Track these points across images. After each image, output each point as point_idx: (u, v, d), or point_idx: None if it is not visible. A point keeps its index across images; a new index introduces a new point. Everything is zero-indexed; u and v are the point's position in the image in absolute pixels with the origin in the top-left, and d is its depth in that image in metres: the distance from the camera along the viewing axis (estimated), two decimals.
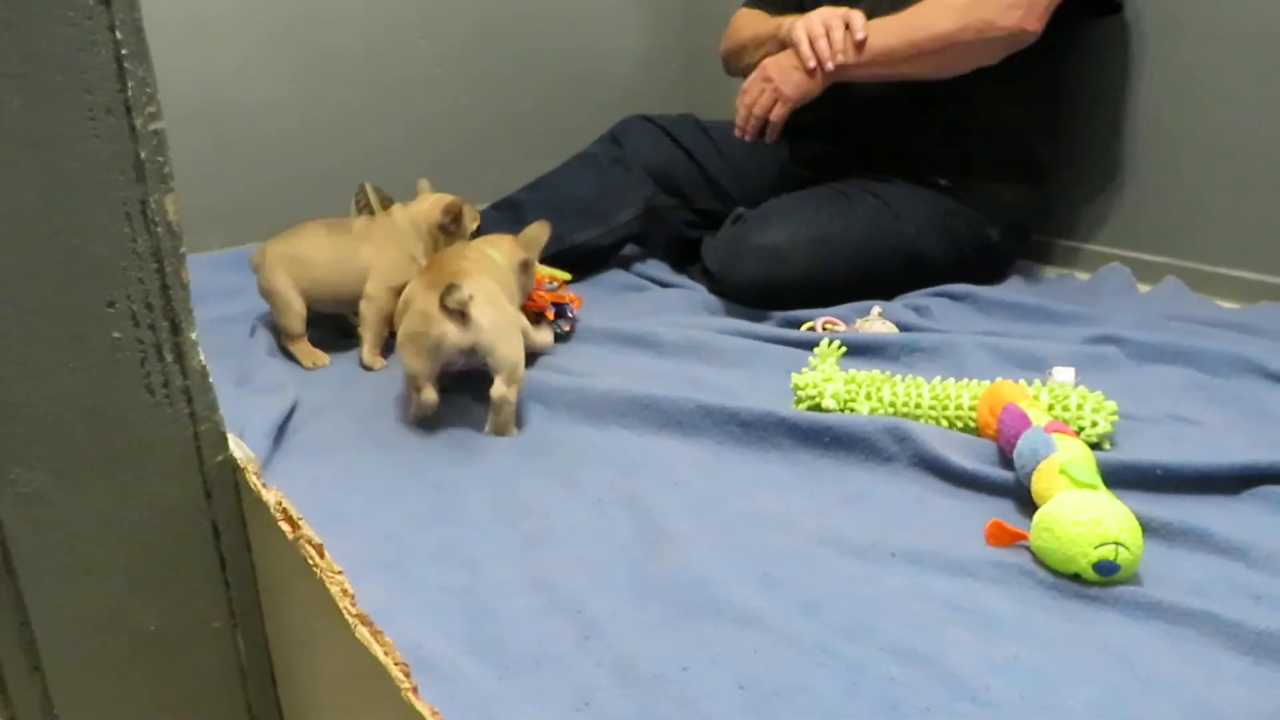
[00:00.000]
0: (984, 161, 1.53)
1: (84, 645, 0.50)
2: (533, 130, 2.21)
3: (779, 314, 1.50)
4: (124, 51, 0.42)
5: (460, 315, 1.13)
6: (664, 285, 1.71)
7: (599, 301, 1.64)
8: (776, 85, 1.50)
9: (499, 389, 1.16)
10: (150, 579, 0.49)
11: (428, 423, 1.20)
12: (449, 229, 1.44)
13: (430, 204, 1.46)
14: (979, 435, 1.06)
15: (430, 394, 1.17)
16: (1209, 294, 1.54)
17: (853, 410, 1.12)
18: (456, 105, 2.12)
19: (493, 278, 1.24)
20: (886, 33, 1.44)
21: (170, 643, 0.51)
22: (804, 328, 1.43)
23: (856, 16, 1.47)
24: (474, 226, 1.48)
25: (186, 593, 0.51)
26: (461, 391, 1.26)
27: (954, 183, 1.56)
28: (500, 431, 1.17)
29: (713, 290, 1.59)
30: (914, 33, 1.43)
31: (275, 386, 1.26)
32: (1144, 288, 1.58)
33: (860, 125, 1.61)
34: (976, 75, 1.50)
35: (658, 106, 2.11)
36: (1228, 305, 1.50)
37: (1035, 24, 1.42)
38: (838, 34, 1.45)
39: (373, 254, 1.40)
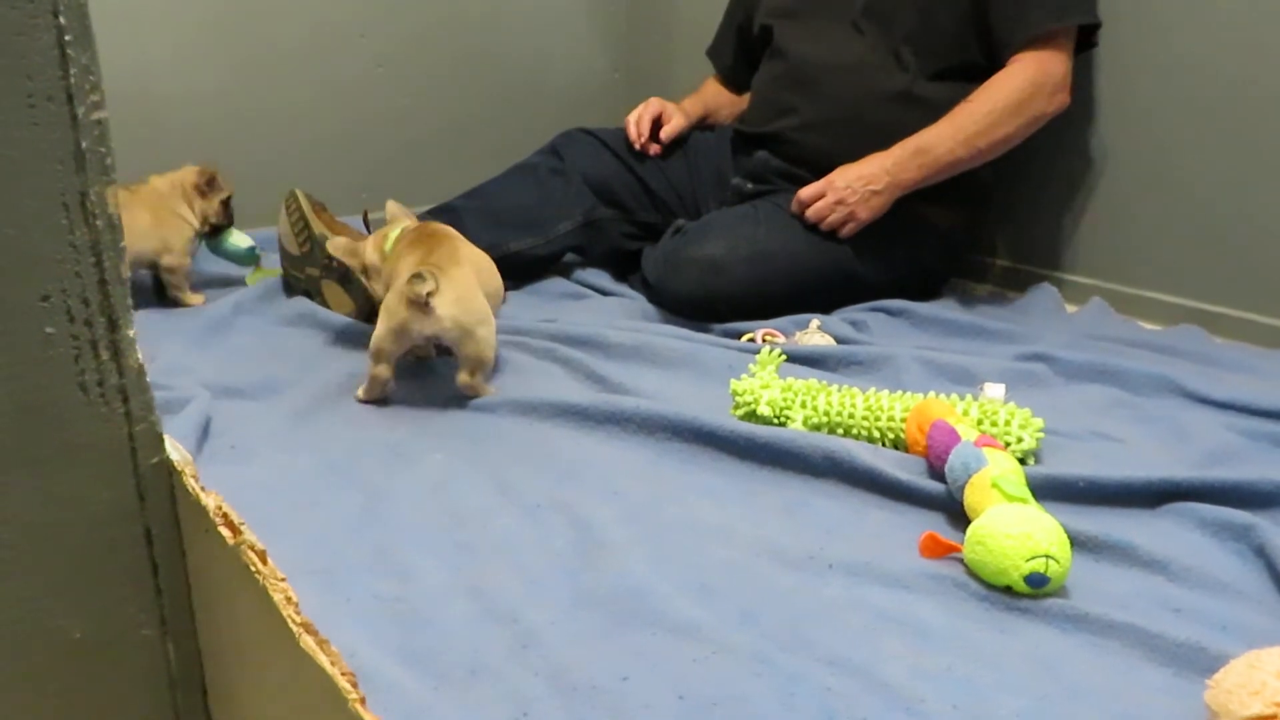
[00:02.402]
0: (926, 188, 1.56)
1: (3, 653, 0.48)
2: (473, 136, 2.19)
3: (719, 325, 1.51)
4: (67, 37, 0.41)
5: (424, 305, 1.17)
6: (605, 294, 1.71)
7: (538, 308, 1.63)
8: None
9: (462, 378, 1.23)
10: (77, 585, 0.48)
11: (361, 421, 1.18)
12: (204, 191, 1.60)
13: (186, 169, 1.62)
14: (909, 451, 1.08)
15: (385, 370, 1.22)
16: (1131, 315, 1.60)
17: (788, 418, 1.13)
18: (396, 107, 2.09)
19: (474, 266, 1.28)
20: (952, 145, 1.52)
21: (96, 651, 0.49)
22: (744, 339, 1.44)
23: (669, 117, 1.79)
24: (227, 193, 1.63)
25: (115, 599, 0.49)
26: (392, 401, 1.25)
27: (895, 206, 1.58)
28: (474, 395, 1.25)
29: (652, 301, 1.59)
30: (977, 140, 1.52)
31: (190, 386, 1.23)
32: (1071, 308, 1.63)
33: (807, 143, 1.64)
34: (928, 109, 1.54)
35: (600, 115, 2.12)
36: (1149, 326, 1.56)
37: (1069, 96, 1.54)
38: (644, 124, 1.78)
39: (150, 221, 1.55)
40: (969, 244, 1.74)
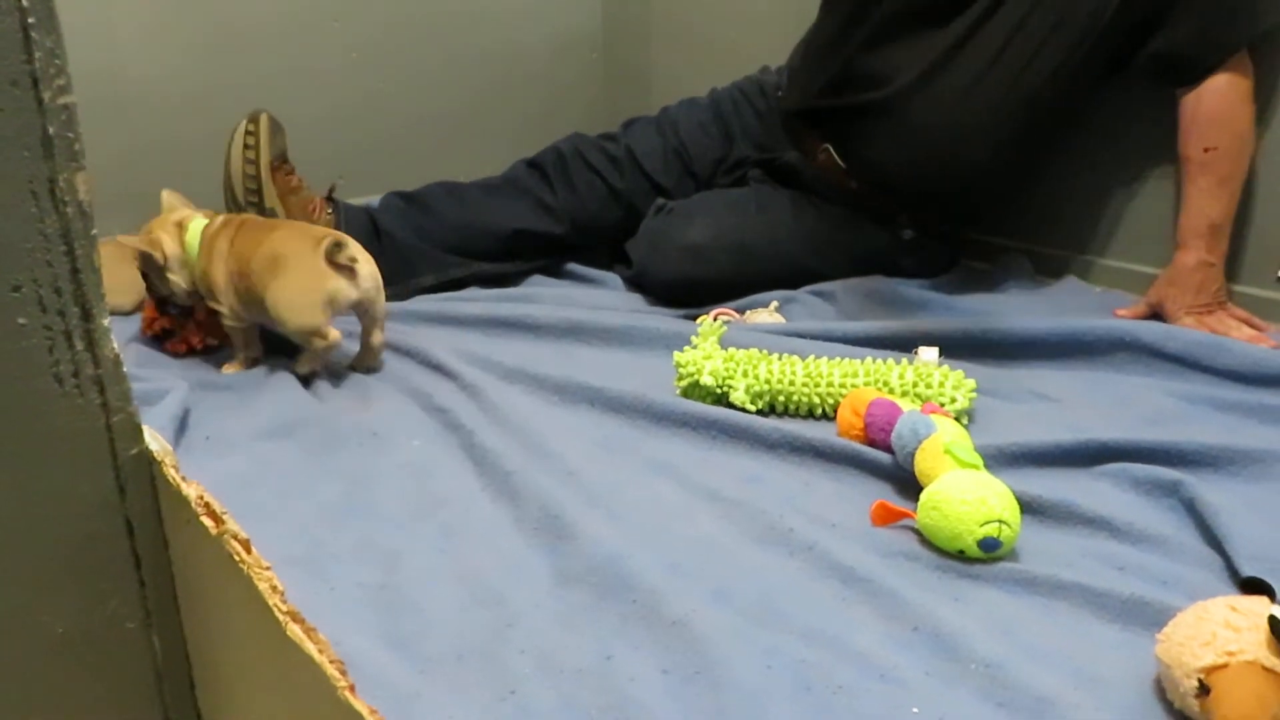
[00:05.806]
0: (939, 206, 1.49)
1: None
2: (448, 121, 2.11)
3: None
4: (31, 20, 0.37)
5: (350, 270, 1.15)
6: (584, 280, 1.61)
7: (512, 297, 1.57)
8: None
9: (379, 338, 1.22)
10: (59, 579, 0.44)
11: (341, 410, 1.14)
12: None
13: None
14: (839, 434, 1.04)
15: (335, 332, 1.16)
16: (1107, 286, 1.51)
17: (730, 387, 1.11)
18: (369, 92, 2.02)
19: None
20: (1227, 209, 1.35)
21: (80, 646, 0.46)
22: (700, 320, 1.41)
23: None
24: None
25: (98, 593, 0.46)
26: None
27: (916, 232, 1.50)
28: (372, 369, 1.23)
29: (633, 284, 1.51)
30: (1237, 191, 1.35)
31: (167, 378, 1.18)
32: (1044, 280, 1.55)
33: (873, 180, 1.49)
34: (1010, 154, 1.43)
35: (578, 99, 2.04)
36: (1127, 295, 1.47)
37: None
38: None
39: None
40: (961, 252, 1.62)
